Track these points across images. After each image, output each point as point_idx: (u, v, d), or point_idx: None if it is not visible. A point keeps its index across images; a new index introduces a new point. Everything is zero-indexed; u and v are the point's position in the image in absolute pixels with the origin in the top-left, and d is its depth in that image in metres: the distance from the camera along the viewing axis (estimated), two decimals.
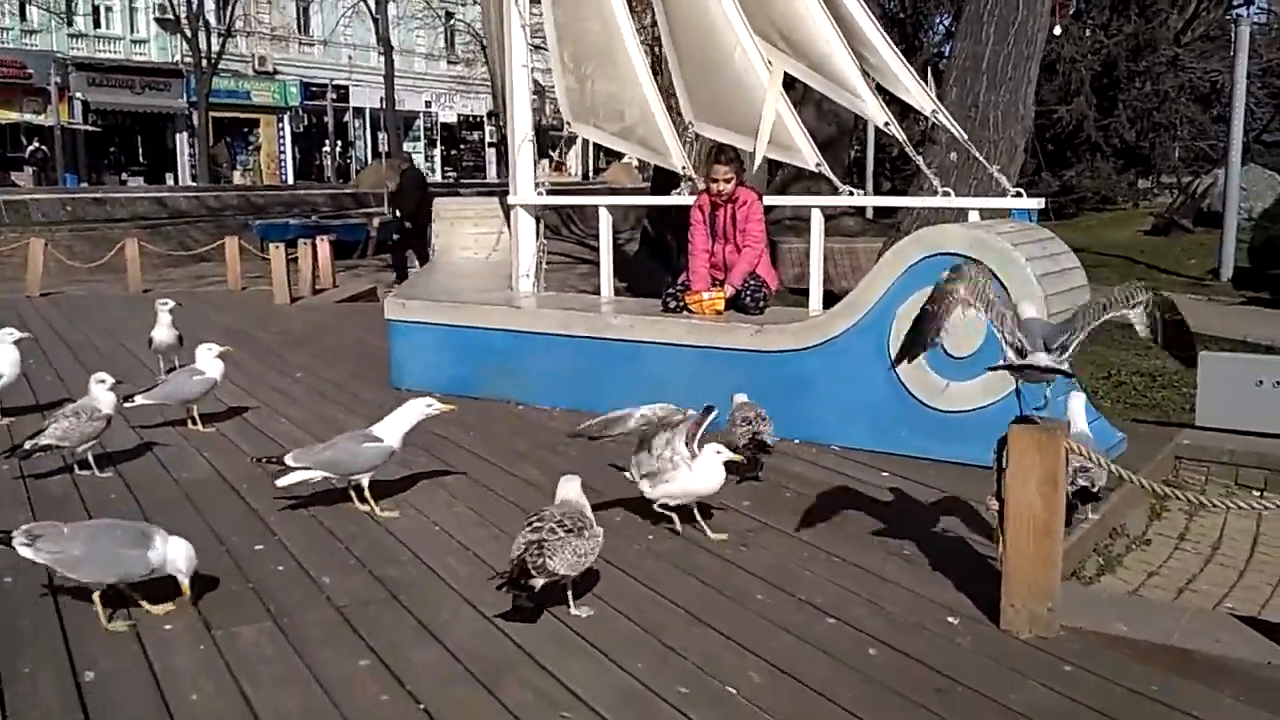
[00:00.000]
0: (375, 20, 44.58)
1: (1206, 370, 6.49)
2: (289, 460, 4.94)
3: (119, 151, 42.64)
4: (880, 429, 6.10)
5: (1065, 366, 3.76)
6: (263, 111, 46.20)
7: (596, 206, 8.51)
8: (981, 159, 7.47)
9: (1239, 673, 3.53)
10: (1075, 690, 3.43)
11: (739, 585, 4.28)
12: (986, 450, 4.00)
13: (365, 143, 50.77)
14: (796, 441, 6.28)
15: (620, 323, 7.14)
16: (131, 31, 42.19)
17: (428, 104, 53.15)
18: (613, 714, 3.27)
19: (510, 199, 8.43)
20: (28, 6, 38.51)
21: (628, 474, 4.88)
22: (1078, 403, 5.14)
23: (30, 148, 37.92)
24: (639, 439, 4.76)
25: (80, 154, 39.47)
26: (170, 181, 40.91)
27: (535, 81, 9.30)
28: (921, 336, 3.93)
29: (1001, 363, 3.83)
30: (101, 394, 5.61)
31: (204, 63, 39.32)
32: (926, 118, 7.58)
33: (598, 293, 8.22)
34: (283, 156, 47.12)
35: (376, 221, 23.86)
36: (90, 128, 39.89)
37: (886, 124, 7.28)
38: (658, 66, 9.22)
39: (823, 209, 7.49)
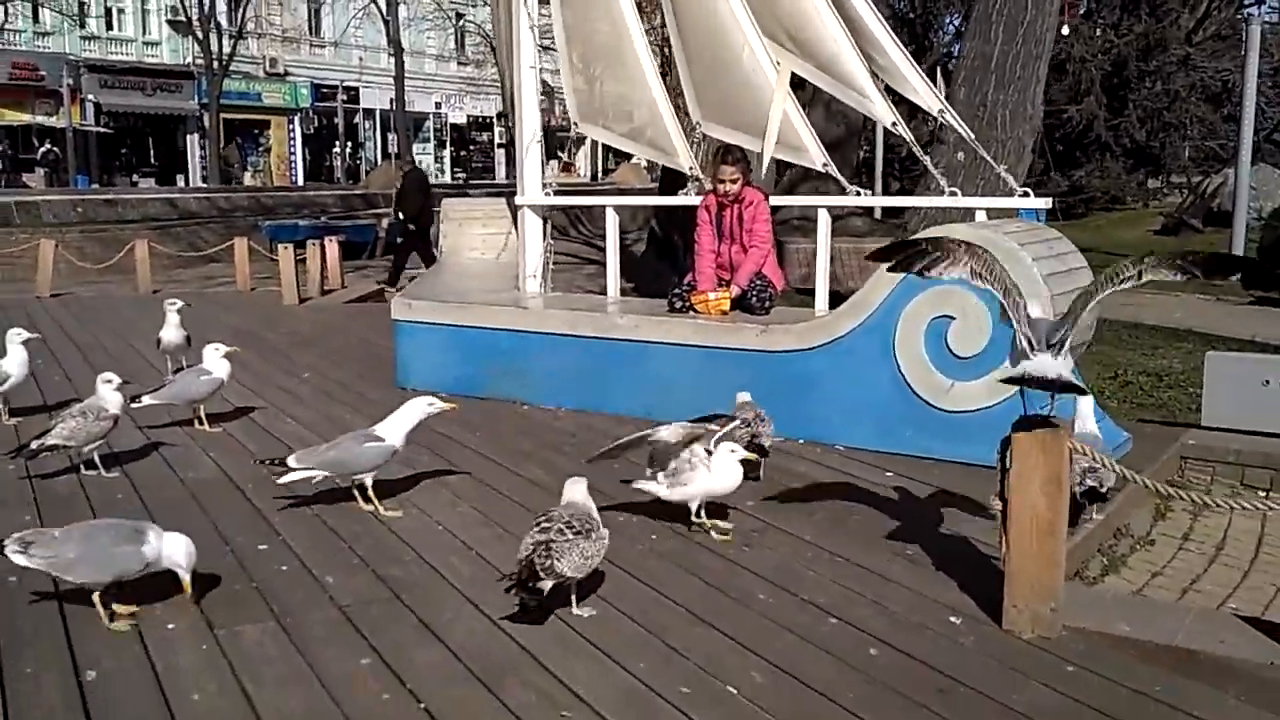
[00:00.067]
0: (386, 22, 44.62)
1: (1213, 370, 6.47)
2: (291, 462, 4.95)
3: (130, 153, 42.77)
4: (885, 429, 6.09)
5: (1075, 379, 3.74)
6: (273, 113, 46.32)
7: (604, 207, 8.52)
8: (989, 159, 7.45)
9: (1243, 673, 3.51)
10: (1078, 691, 3.42)
11: (742, 585, 4.27)
12: (991, 450, 3.99)
13: (375, 144, 50.88)
14: (801, 441, 6.27)
15: (626, 323, 7.14)
16: (144, 34, 42.35)
17: (437, 105, 53.22)
18: (614, 714, 3.27)
19: (517, 200, 8.45)
20: (40, 9, 38.66)
21: (636, 484, 4.88)
22: (1086, 404, 5.12)
23: (42, 149, 38.08)
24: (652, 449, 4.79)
25: (92, 155, 39.61)
26: (181, 183, 41.05)
27: (544, 82, 9.32)
28: (906, 258, 3.84)
29: (1009, 374, 3.82)
30: (108, 394, 5.63)
31: (215, 64, 39.42)
32: (935, 118, 7.57)
33: (604, 293, 8.23)
34: (293, 158, 47.23)
35: (385, 222, 23.86)
36: (102, 129, 40.05)
37: (894, 124, 7.28)
38: (666, 67, 9.22)
39: (830, 209, 7.48)
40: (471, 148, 56.84)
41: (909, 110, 8.51)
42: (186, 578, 3.89)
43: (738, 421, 5.13)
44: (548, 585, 3.75)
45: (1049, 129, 24.83)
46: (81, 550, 3.82)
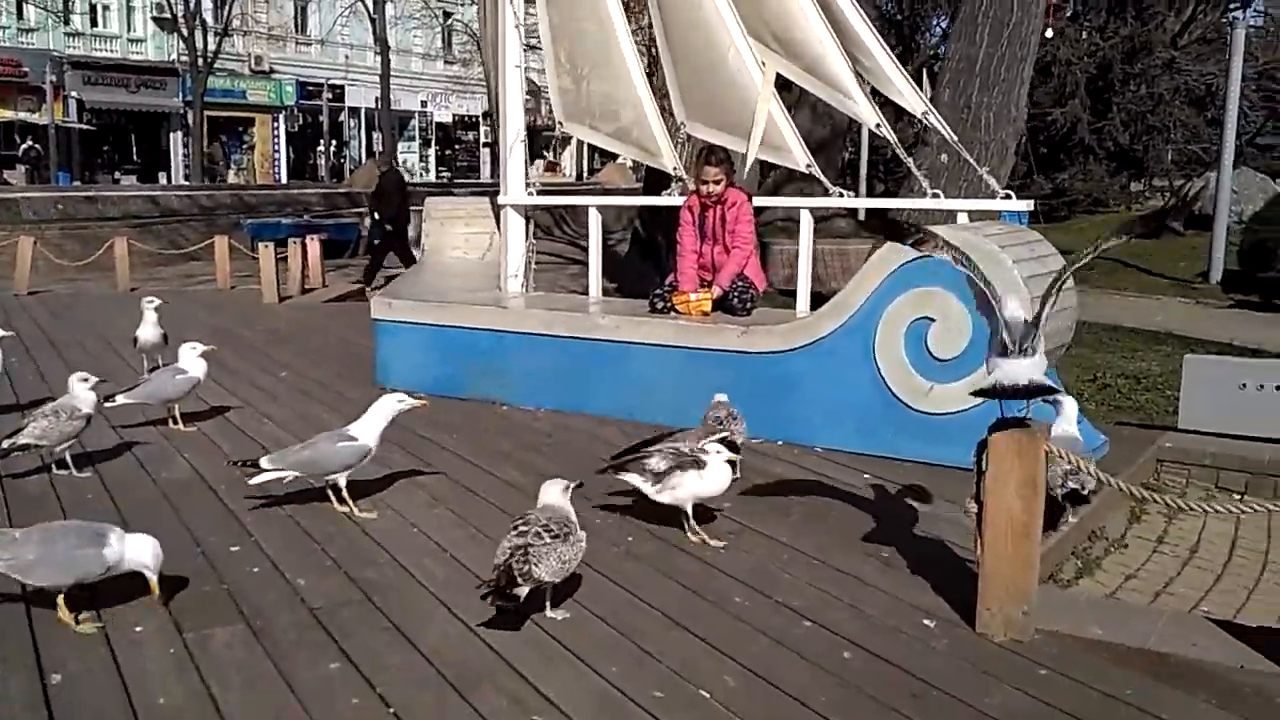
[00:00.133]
0: (373, 20, 44.52)
1: (1191, 373, 6.49)
2: (263, 463, 4.92)
3: (113, 150, 42.56)
4: (865, 430, 6.09)
5: (1049, 380, 3.75)
6: (258, 111, 46.15)
7: (587, 207, 8.50)
8: (972, 161, 7.46)
9: (1214, 677, 3.52)
10: (1050, 694, 3.41)
11: (718, 588, 4.25)
12: (969, 452, 3.99)
13: (360, 142, 50.75)
14: (780, 443, 6.27)
15: (607, 323, 7.12)
16: (128, 30, 42.15)
17: (423, 104, 53.12)
18: (586, 719, 3.24)
19: (500, 199, 8.42)
20: (25, 5, 38.44)
21: (622, 475, 4.82)
22: (1070, 407, 5.13)
23: (23, 146, 37.86)
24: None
25: (74, 152, 39.41)
26: (164, 180, 40.84)
27: (530, 81, 9.30)
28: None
29: (979, 386, 3.83)
30: (82, 393, 5.57)
31: (200, 62, 39.26)
32: (919, 120, 7.57)
33: (587, 293, 8.21)
34: (277, 156, 47.05)
35: (368, 221, 23.79)
36: (85, 126, 39.85)
37: (878, 125, 7.29)
38: (653, 67, 9.21)
39: (813, 210, 7.48)
40: (457, 147, 56.77)
41: (894, 112, 8.52)
42: (154, 579, 3.85)
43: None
44: (525, 591, 3.71)
45: (1033, 131, 24.89)
46: (41, 552, 3.77)
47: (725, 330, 6.67)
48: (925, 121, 7.33)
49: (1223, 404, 6.30)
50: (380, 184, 16.18)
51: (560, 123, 8.39)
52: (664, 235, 11.80)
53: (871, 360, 6.03)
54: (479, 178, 49.40)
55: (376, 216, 15.79)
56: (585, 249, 8.57)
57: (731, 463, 4.67)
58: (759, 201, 7.87)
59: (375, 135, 46.95)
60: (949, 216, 6.90)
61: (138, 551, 3.83)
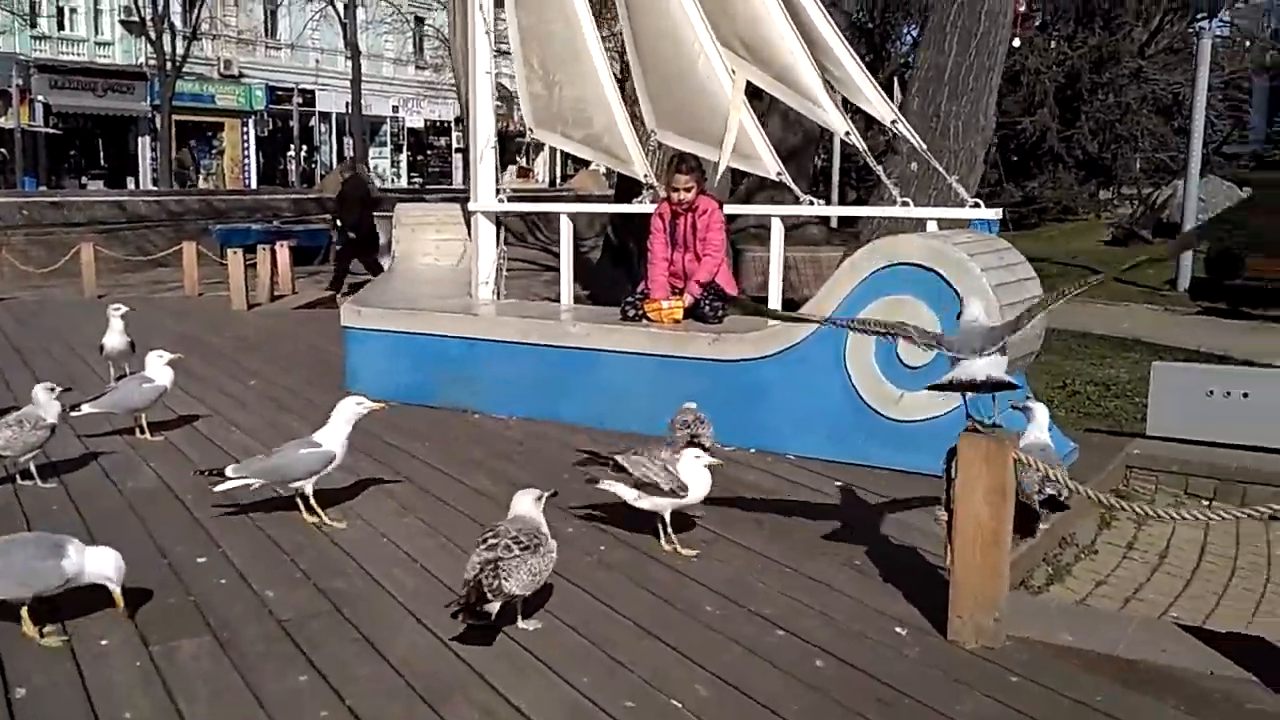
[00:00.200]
0: (343, 24, 44.26)
1: (1159, 380, 6.55)
2: (229, 472, 4.88)
3: (80, 155, 42.05)
4: (836, 438, 6.10)
5: (1007, 377, 3.78)
6: (227, 115, 45.75)
7: (559, 214, 8.49)
8: (941, 169, 7.50)
9: (1183, 683, 3.54)
10: (1020, 701, 3.42)
11: (690, 597, 4.25)
12: (940, 459, 4.01)
13: (331, 147, 50.44)
14: (753, 450, 6.27)
15: (578, 331, 7.10)
16: (96, 34, 41.68)
17: (395, 109, 52.88)
18: None
19: (470, 205, 8.39)
20: None
21: (603, 484, 4.78)
22: (1042, 414, 5.15)
23: None
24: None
25: (40, 157, 38.92)
26: (132, 185, 40.40)
27: (502, 86, 9.28)
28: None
29: (936, 382, 3.87)
30: (46, 402, 5.49)
31: (168, 66, 38.91)
32: (889, 128, 7.61)
33: (560, 300, 8.19)
34: (246, 161, 46.68)
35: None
36: (51, 130, 39.37)
37: (847, 134, 7.31)
38: (624, 74, 9.21)
39: (786, 218, 7.50)
40: (429, 152, 56.54)
41: (865, 120, 8.56)
42: (117, 591, 3.80)
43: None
44: (496, 607, 3.66)
45: (1003, 140, 25.11)
46: None
47: (696, 338, 6.67)
48: (894, 130, 7.37)
49: (1190, 411, 6.36)
50: (343, 190, 16.02)
51: (530, 129, 8.37)
52: (636, 242, 11.80)
53: (842, 368, 6.05)
54: (451, 183, 49.19)
55: (339, 223, 15.65)
56: (558, 255, 8.56)
57: (710, 467, 4.65)
58: (730, 209, 7.88)
59: (346, 140, 46.66)
60: (918, 225, 6.94)
61: (98, 564, 3.77)
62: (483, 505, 5.24)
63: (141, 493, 5.53)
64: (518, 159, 51.29)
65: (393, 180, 50.94)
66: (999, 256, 6.07)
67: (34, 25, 39.16)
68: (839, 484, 5.68)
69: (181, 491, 5.49)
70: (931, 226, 6.74)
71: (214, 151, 46.17)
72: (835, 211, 15.19)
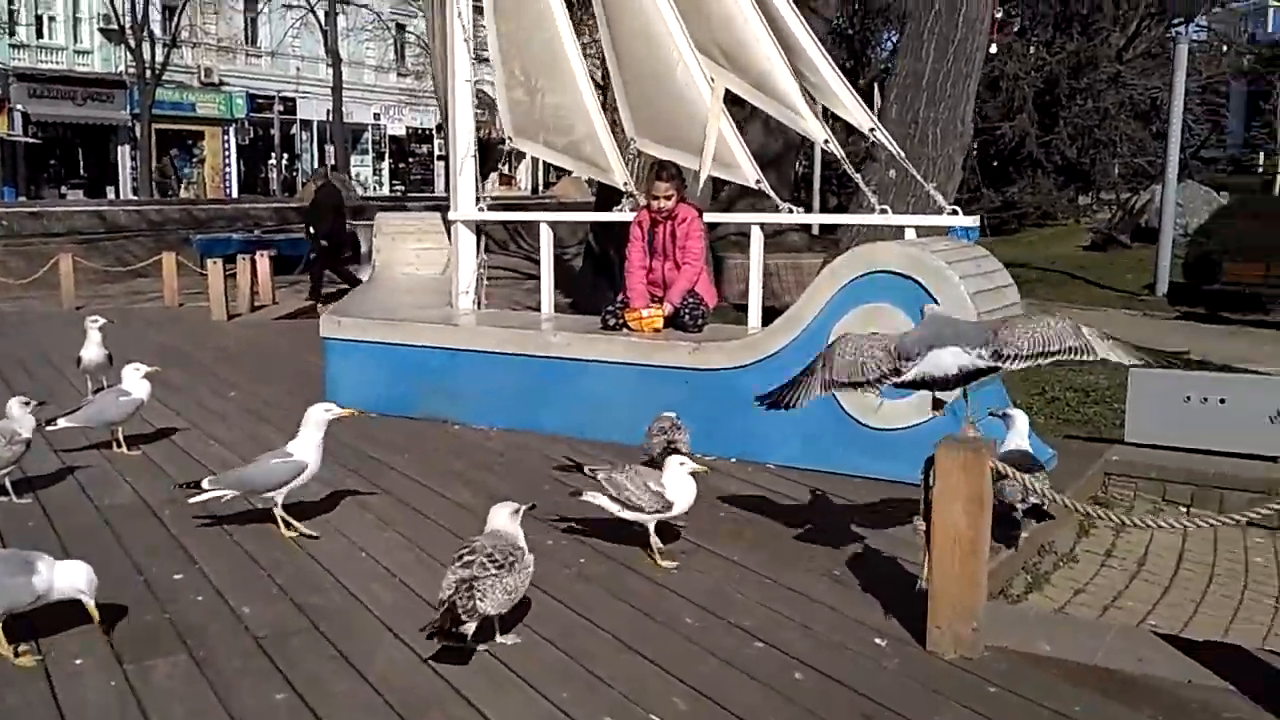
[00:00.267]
0: (324, 32, 44.20)
1: (1136, 386, 6.57)
2: (205, 484, 4.86)
3: (59, 164, 41.83)
4: (816, 447, 6.10)
5: (981, 363, 3.83)
6: (208, 124, 45.56)
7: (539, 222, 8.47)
8: (919, 176, 7.52)
9: (1160, 692, 3.55)
10: (999, 712, 3.43)
11: (670, 609, 4.24)
12: (919, 467, 4.01)
13: (312, 155, 50.26)
14: (734, 460, 6.27)
15: (559, 341, 7.09)
16: (75, 42, 41.45)
17: (376, 116, 52.77)
18: None
19: (450, 214, 8.36)
20: None
21: (586, 496, 4.75)
22: (1022, 421, 5.17)
23: None
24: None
25: (19, 167, 38.71)
26: (112, 195, 40.20)
27: (483, 94, 9.26)
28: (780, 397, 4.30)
29: (904, 379, 3.92)
30: (21, 416, 5.45)
31: (148, 74, 38.74)
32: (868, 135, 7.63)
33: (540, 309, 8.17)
34: (227, 169, 46.49)
35: None
36: (30, 140, 39.14)
37: (826, 141, 7.33)
38: (605, 82, 9.20)
39: (767, 225, 7.51)
40: (411, 160, 56.44)
41: (845, 127, 8.58)
42: (90, 604, 3.76)
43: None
44: (472, 628, 3.61)
45: (983, 145, 25.24)
46: None
47: (677, 347, 6.67)
48: (872, 137, 7.38)
49: (1168, 417, 6.38)
50: (316, 198, 15.95)
51: (510, 138, 8.36)
52: (617, 250, 11.77)
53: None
54: (433, 191, 49.11)
55: (311, 231, 15.58)
56: (540, 263, 8.54)
57: (694, 474, 4.64)
58: (710, 217, 7.88)
59: (328, 148, 46.52)
60: (897, 232, 6.95)
61: (69, 579, 3.73)
62: (463, 518, 5.22)
63: (118, 508, 5.49)
64: (500, 166, 51.27)
65: (375, 188, 50.84)
66: (977, 264, 6.09)
67: (12, 34, 38.93)
68: (819, 493, 5.68)
69: (158, 507, 5.45)
70: (910, 234, 6.76)
71: (195, 160, 45.96)
72: (815, 219, 15.23)
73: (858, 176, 7.85)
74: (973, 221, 6.82)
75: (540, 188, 55.27)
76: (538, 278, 8.32)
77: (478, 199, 8.38)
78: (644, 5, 7.27)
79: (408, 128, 54.82)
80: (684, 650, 3.87)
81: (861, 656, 3.82)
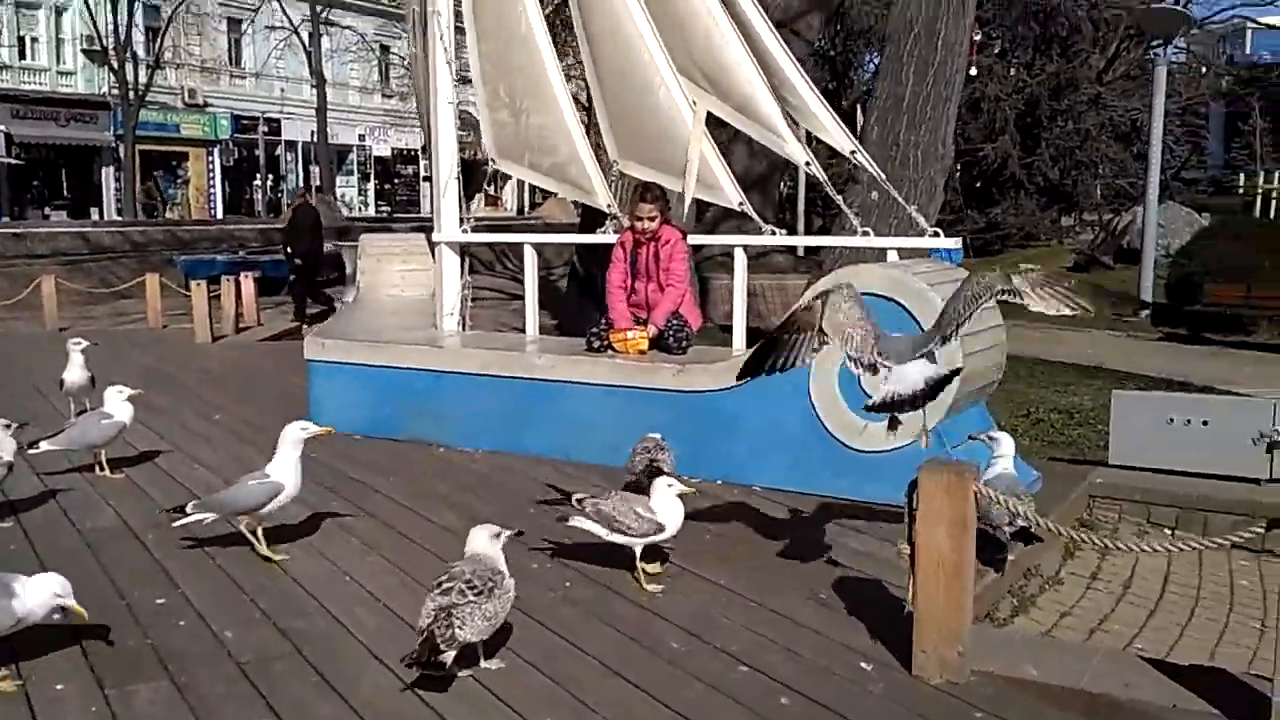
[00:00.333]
0: (308, 53, 44.22)
1: (1120, 409, 6.60)
2: (189, 508, 4.85)
3: (43, 185, 41.65)
4: (800, 469, 6.10)
5: (945, 369, 3.83)
6: (192, 145, 45.47)
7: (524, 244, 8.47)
8: (900, 198, 7.56)
9: (1146, 716, 3.55)
10: None
11: (655, 633, 4.23)
12: (903, 490, 4.01)
13: (297, 176, 50.14)
14: (718, 482, 6.26)
15: (543, 363, 7.09)
16: (58, 63, 41.36)
17: (361, 137, 52.77)
18: None
19: (434, 236, 8.36)
20: None
21: (573, 522, 4.72)
22: (1008, 444, 5.18)
23: None
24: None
25: (2, 188, 38.55)
26: (96, 216, 40.04)
27: (467, 114, 9.26)
28: (762, 357, 4.21)
29: (872, 403, 3.94)
30: (3, 439, 5.40)
31: (132, 95, 38.68)
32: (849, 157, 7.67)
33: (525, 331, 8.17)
34: (212, 190, 46.38)
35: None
36: (13, 161, 38.99)
37: (808, 164, 7.36)
38: (588, 104, 9.23)
39: (751, 247, 7.53)
40: (396, 181, 56.42)
41: (827, 149, 8.62)
42: (70, 603, 3.73)
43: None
44: (451, 656, 3.58)
45: (965, 167, 25.44)
46: None
47: (661, 369, 6.67)
48: (853, 160, 7.42)
49: (1151, 439, 6.41)
50: (294, 218, 15.91)
51: (493, 159, 8.37)
52: (601, 272, 11.77)
53: (806, 398, 6.06)
54: (419, 211, 49.09)
55: (289, 251, 15.55)
56: (525, 285, 8.54)
57: (682, 495, 4.63)
58: (695, 239, 7.90)
59: (313, 169, 46.47)
60: (880, 254, 6.98)
61: (41, 593, 3.70)
62: (447, 541, 5.18)
63: (101, 532, 5.45)
64: (486, 187, 51.25)
65: (360, 209, 50.78)
66: (957, 286, 6.10)
67: None
68: (804, 515, 5.68)
69: (141, 531, 5.41)
70: (892, 256, 6.78)
71: (179, 181, 45.83)
72: (798, 241, 15.28)
73: (839, 199, 7.89)
74: (955, 243, 6.85)
75: (526, 208, 55.30)
76: (523, 298, 8.32)
77: (462, 220, 8.38)
78: (626, 28, 7.30)
79: (393, 149, 54.83)
80: (669, 675, 3.86)
81: (847, 681, 3.82)
